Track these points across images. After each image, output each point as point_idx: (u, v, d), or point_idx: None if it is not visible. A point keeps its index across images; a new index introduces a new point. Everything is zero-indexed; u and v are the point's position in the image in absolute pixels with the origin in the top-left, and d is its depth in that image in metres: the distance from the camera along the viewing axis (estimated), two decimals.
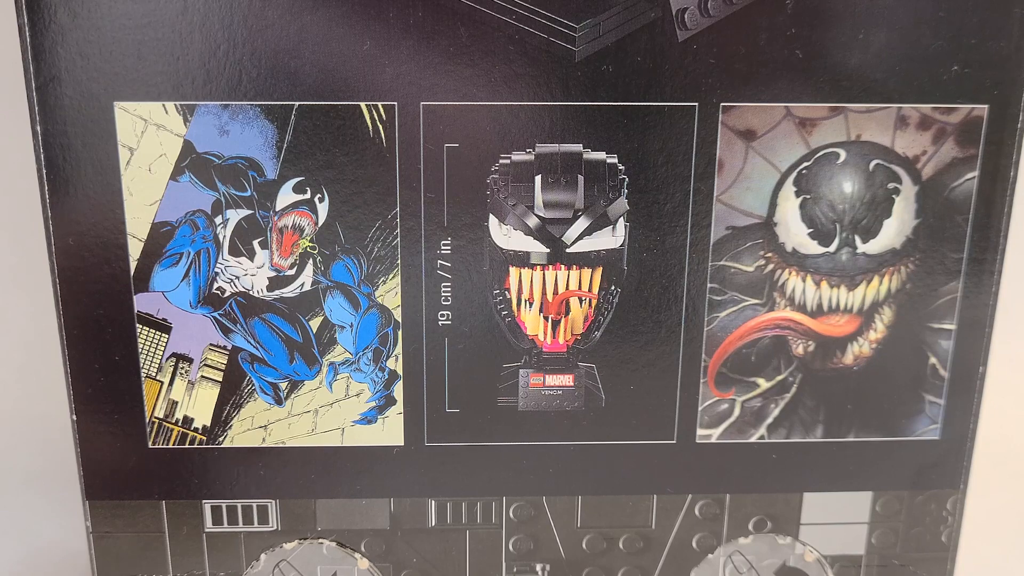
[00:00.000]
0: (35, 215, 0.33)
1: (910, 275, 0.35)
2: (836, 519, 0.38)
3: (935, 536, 0.38)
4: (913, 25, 0.32)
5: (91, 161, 0.32)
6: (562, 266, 0.34)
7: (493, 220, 0.34)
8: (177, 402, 0.35)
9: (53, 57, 0.31)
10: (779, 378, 0.36)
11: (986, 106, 0.33)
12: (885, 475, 0.37)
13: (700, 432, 0.36)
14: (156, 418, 0.35)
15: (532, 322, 0.35)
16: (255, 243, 0.34)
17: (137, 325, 0.34)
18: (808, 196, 0.34)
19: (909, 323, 0.35)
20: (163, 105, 0.32)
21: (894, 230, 0.34)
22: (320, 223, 0.33)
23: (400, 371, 0.35)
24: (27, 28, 0.31)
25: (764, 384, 0.36)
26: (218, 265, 0.34)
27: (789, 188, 0.34)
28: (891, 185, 0.34)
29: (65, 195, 0.32)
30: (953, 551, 0.38)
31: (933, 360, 0.36)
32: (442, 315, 0.34)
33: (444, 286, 0.34)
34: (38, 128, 0.32)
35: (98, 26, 0.31)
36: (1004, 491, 0.46)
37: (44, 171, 0.32)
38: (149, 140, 0.32)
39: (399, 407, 0.35)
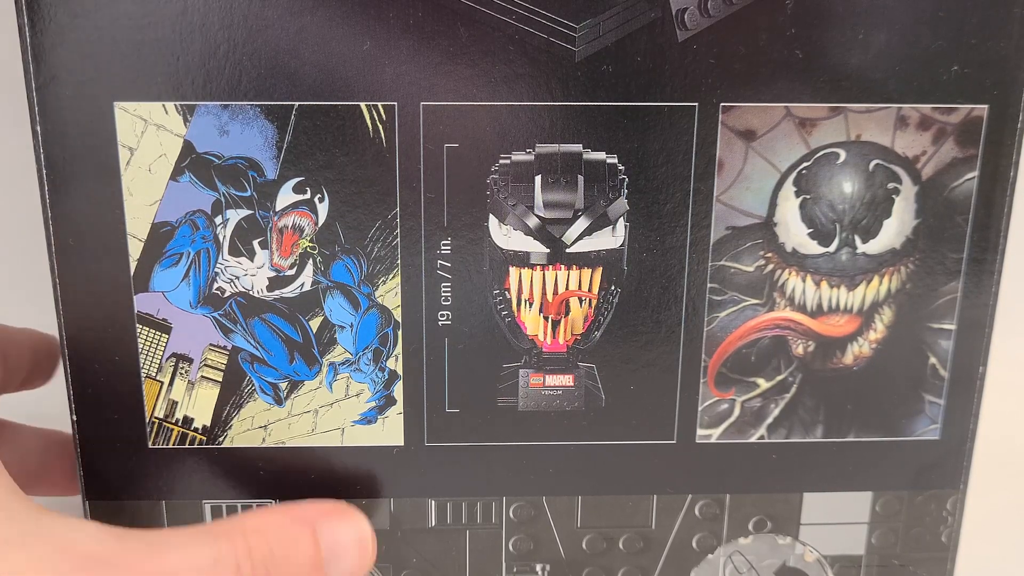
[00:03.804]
0: (35, 215, 0.33)
1: (910, 275, 0.35)
2: (836, 519, 0.38)
3: (935, 536, 0.38)
4: (913, 25, 0.32)
5: (91, 161, 0.32)
6: (562, 266, 0.34)
7: (493, 220, 0.34)
8: (177, 402, 0.35)
9: (53, 57, 0.31)
10: (779, 378, 0.36)
11: (986, 106, 0.33)
12: (885, 475, 0.37)
13: (700, 432, 0.36)
14: (156, 418, 0.35)
15: (532, 322, 0.35)
16: (255, 243, 0.34)
17: (137, 325, 0.34)
18: (808, 196, 0.34)
19: (909, 323, 0.35)
20: (163, 105, 0.32)
21: (894, 230, 0.34)
22: (320, 223, 0.33)
23: (400, 371, 0.35)
24: (27, 28, 0.31)
25: (764, 384, 0.36)
26: (218, 265, 0.34)
27: (789, 188, 0.34)
28: (891, 185, 0.34)
29: (65, 195, 0.32)
30: (953, 551, 0.38)
31: (933, 360, 0.36)
32: (442, 315, 0.34)
33: (444, 286, 0.34)
34: (38, 128, 0.32)
35: (98, 26, 0.31)
36: (1004, 491, 0.46)
37: (44, 171, 0.32)
38: (149, 140, 0.32)
39: (399, 407, 0.35)
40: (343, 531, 0.33)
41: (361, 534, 0.34)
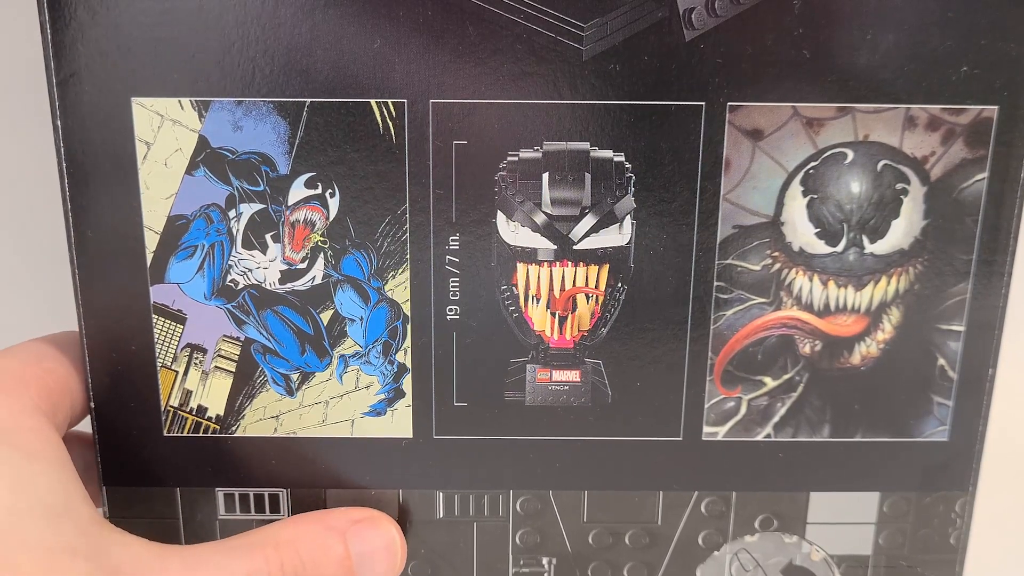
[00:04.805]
0: (55, 208, 0.33)
1: (918, 276, 0.35)
2: (843, 519, 0.38)
3: (943, 538, 0.38)
4: (922, 25, 0.32)
5: (109, 155, 0.33)
6: (569, 263, 0.35)
7: (501, 217, 0.34)
8: (192, 391, 0.36)
9: (73, 54, 0.32)
10: (786, 377, 0.36)
11: (996, 107, 0.33)
12: (892, 476, 0.37)
13: (706, 429, 0.36)
14: (171, 407, 0.36)
15: (539, 318, 0.35)
16: (267, 237, 0.34)
17: (153, 316, 0.35)
18: (815, 196, 0.34)
19: (917, 324, 0.35)
20: (179, 101, 0.33)
21: (902, 231, 0.34)
22: (331, 218, 0.34)
23: (409, 364, 0.36)
24: (48, 25, 0.32)
25: (771, 383, 0.36)
26: (231, 258, 0.34)
27: (796, 188, 0.34)
28: (899, 185, 0.34)
29: (84, 188, 0.33)
30: (962, 553, 0.38)
31: (942, 361, 0.36)
32: (450, 310, 0.35)
33: (452, 281, 0.35)
34: (58, 123, 0.33)
35: (116, 24, 0.32)
36: (1013, 494, 0.46)
37: (64, 165, 0.33)
38: (165, 135, 0.33)
39: (408, 400, 0.36)
40: (372, 538, 0.35)
41: (389, 540, 0.35)
